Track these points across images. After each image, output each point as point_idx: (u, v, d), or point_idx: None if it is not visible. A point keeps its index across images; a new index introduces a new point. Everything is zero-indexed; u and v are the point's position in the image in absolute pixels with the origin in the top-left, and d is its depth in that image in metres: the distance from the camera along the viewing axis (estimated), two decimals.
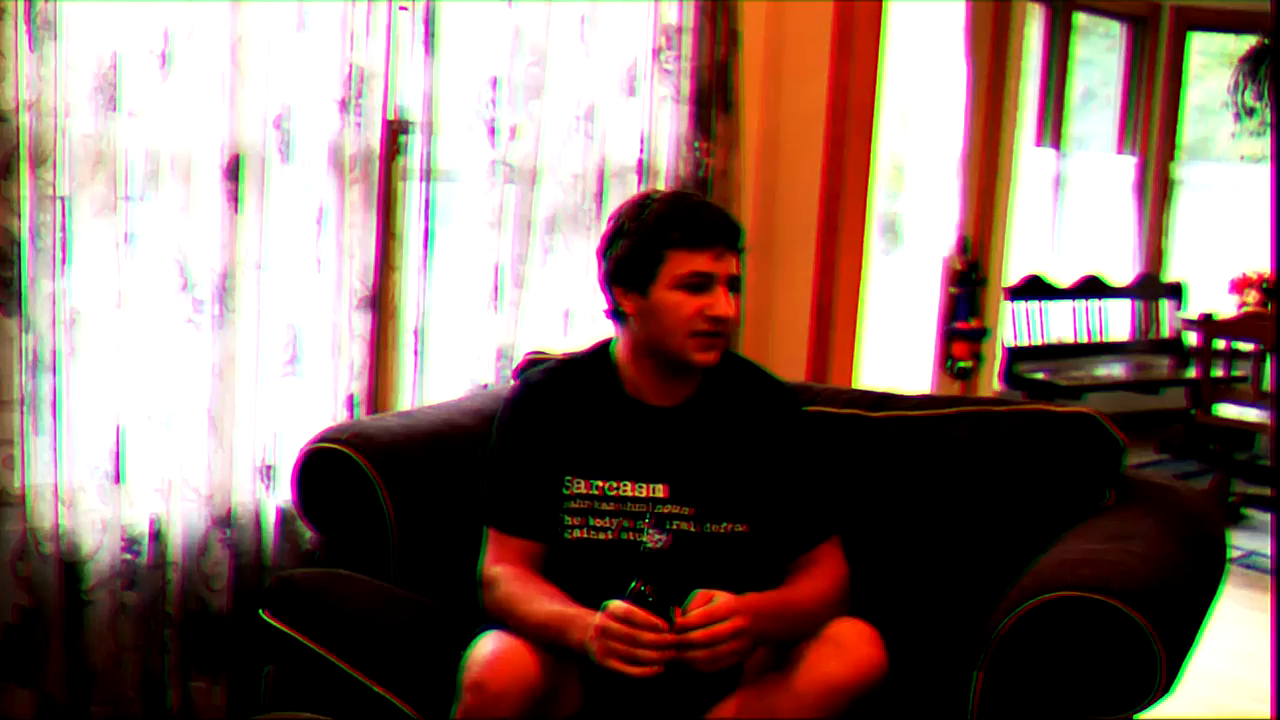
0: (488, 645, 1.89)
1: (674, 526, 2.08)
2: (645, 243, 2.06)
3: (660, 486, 2.09)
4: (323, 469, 2.31)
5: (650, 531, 2.07)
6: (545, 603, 1.96)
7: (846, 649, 1.90)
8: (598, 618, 1.84)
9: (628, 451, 2.11)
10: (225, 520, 2.64)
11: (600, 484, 2.09)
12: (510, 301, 3.03)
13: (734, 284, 2.09)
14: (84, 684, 2.51)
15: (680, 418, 2.14)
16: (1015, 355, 6.25)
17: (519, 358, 2.85)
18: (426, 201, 2.90)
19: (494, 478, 2.14)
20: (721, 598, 1.88)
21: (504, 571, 2.05)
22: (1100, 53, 7.29)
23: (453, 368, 3.01)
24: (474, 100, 2.94)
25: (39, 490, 2.44)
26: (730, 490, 2.11)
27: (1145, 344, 7.02)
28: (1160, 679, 1.78)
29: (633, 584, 1.85)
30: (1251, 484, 5.83)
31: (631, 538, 2.08)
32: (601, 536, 2.08)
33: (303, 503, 2.34)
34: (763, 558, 2.12)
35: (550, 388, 2.16)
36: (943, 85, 4.24)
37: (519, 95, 2.98)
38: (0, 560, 2.41)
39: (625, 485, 2.09)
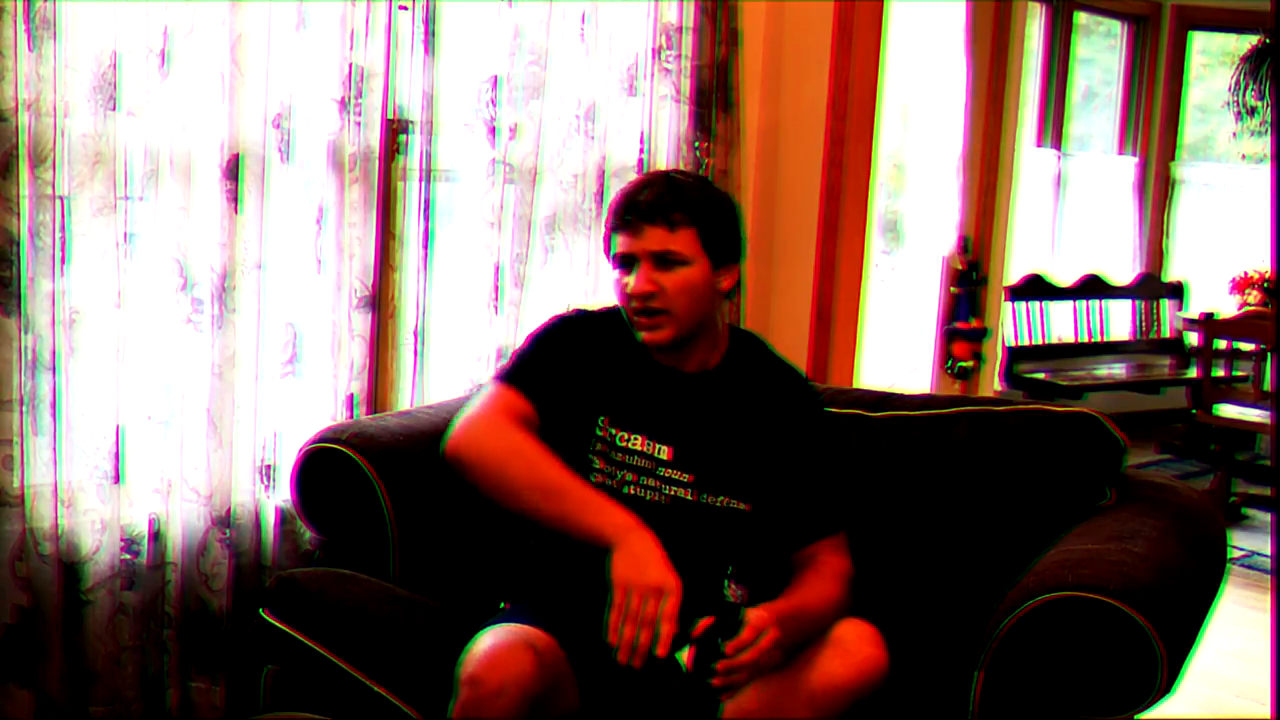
0: (486, 641, 1.88)
1: (671, 493, 2.09)
2: (607, 225, 2.14)
3: (666, 448, 2.11)
4: (322, 469, 2.30)
5: (651, 491, 2.09)
6: (568, 473, 1.96)
7: (848, 650, 1.90)
8: (637, 532, 1.87)
9: (648, 407, 2.13)
10: (225, 520, 2.64)
11: (616, 431, 2.11)
12: (510, 301, 3.02)
13: (663, 260, 2.06)
14: (83, 684, 2.51)
15: (698, 386, 2.16)
16: (1016, 355, 6.25)
17: None
18: (426, 201, 2.89)
19: (526, 350, 2.16)
20: (752, 617, 1.85)
21: (505, 420, 2.04)
22: (1101, 52, 7.29)
23: (453, 368, 3.01)
24: (474, 100, 2.94)
25: (38, 490, 2.43)
26: (731, 466, 2.12)
27: (1146, 344, 7.02)
28: (1161, 679, 1.78)
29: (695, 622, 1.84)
30: (1252, 484, 5.83)
31: (633, 493, 2.08)
32: (610, 484, 2.08)
33: (302, 503, 2.34)
34: (764, 542, 2.13)
35: (596, 323, 2.20)
36: (943, 85, 4.23)
37: (519, 95, 2.97)
38: None
39: (636, 439, 2.10)
